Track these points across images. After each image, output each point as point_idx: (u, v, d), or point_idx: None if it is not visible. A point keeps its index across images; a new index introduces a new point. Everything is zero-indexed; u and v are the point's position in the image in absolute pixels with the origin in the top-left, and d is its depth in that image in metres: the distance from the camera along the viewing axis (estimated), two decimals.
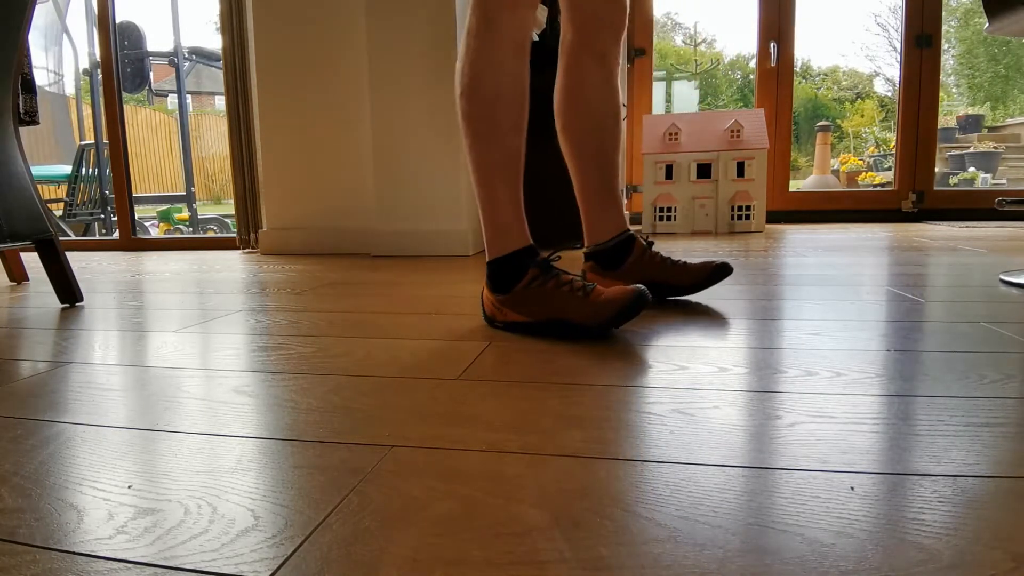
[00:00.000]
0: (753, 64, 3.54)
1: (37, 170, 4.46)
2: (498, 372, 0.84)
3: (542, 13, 2.50)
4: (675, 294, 1.29)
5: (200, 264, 2.36)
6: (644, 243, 1.30)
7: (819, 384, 0.76)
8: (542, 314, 1.05)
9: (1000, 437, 0.59)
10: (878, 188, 4.46)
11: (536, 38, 2.42)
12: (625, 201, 3.35)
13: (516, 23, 1.06)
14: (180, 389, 0.81)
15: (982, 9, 1.51)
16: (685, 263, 1.27)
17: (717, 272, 1.25)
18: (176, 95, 5.08)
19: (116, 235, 3.27)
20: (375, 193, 2.44)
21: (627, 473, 0.54)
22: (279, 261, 2.39)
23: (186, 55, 4.84)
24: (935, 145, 3.38)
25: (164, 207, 5.37)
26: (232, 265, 2.29)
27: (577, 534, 0.45)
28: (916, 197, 3.38)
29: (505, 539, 0.44)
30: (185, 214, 5.04)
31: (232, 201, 2.86)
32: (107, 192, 4.59)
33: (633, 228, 3.28)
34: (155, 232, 5.20)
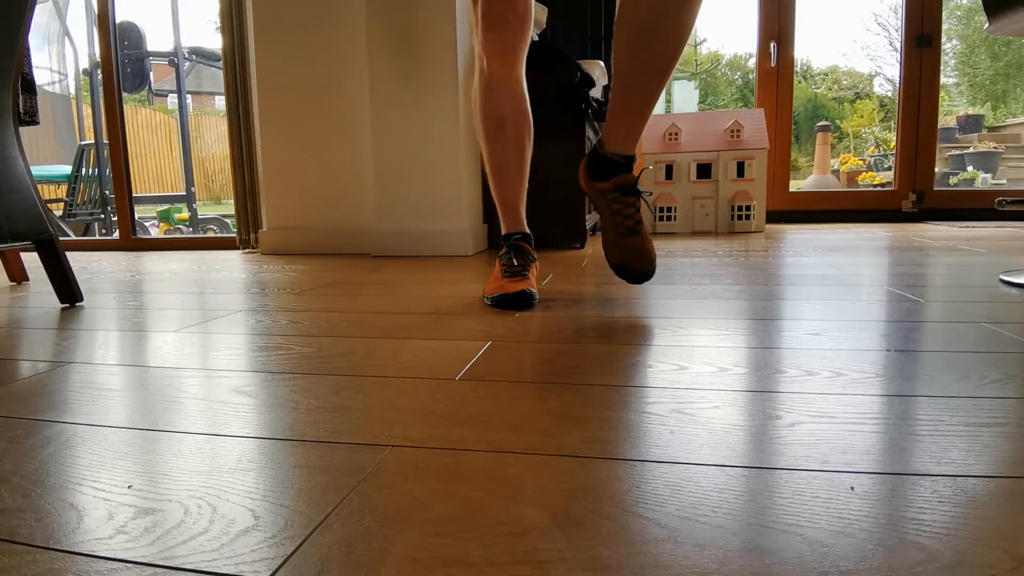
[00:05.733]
0: (753, 64, 3.54)
1: (37, 170, 4.46)
2: (498, 372, 0.84)
3: (542, 13, 2.49)
4: None
5: (200, 264, 2.36)
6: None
7: (819, 384, 0.76)
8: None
9: (1000, 437, 0.59)
10: (878, 188, 4.46)
11: (536, 38, 2.42)
12: None
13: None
14: (180, 389, 0.81)
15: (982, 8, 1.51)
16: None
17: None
18: (176, 95, 5.08)
19: (116, 235, 3.27)
20: (375, 193, 2.44)
21: (627, 473, 0.54)
22: (279, 261, 2.39)
23: (186, 55, 4.84)
24: (935, 145, 3.38)
25: (164, 207, 5.37)
26: (232, 265, 2.29)
27: (577, 534, 0.45)
28: (916, 197, 3.38)
29: (505, 539, 0.44)
30: (185, 214, 5.05)
31: (232, 201, 2.86)
32: (107, 192, 4.59)
33: None
34: (155, 232, 5.20)
